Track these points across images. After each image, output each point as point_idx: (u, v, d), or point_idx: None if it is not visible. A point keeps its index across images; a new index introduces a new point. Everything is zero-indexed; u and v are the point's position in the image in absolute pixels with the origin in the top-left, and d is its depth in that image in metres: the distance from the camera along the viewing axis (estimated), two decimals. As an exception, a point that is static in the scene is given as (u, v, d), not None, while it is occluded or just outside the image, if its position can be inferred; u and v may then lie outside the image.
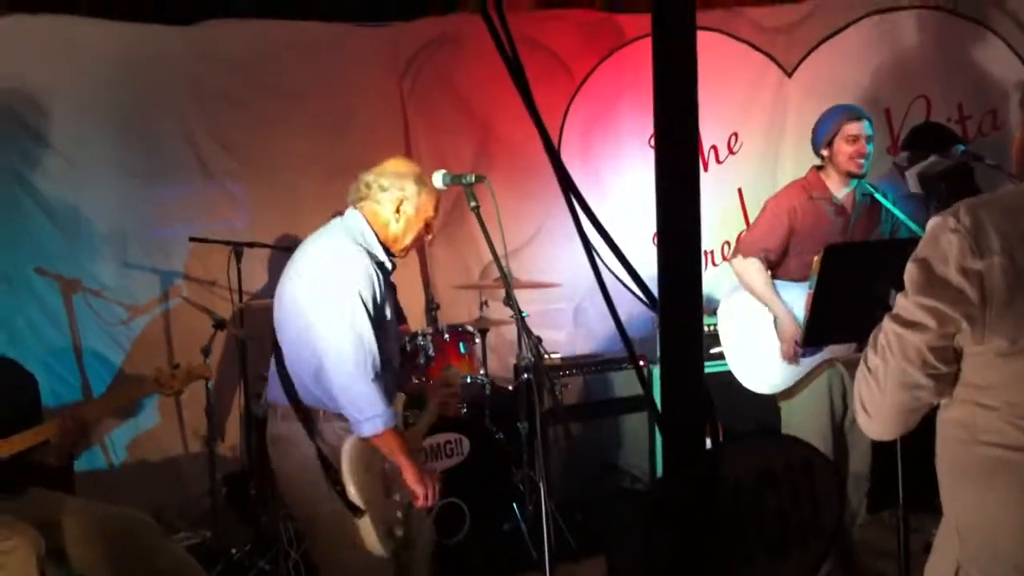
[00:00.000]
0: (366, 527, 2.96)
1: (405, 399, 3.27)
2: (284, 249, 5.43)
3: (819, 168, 4.25)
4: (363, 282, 3.00)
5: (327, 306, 2.97)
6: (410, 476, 3.05)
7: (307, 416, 3.04)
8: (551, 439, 5.36)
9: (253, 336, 4.87)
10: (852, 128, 4.11)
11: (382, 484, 3.06)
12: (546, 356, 5.31)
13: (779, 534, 1.43)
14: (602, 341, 6.22)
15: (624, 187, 6.14)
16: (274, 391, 3.17)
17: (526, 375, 4.78)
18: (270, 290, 5.55)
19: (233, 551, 4.59)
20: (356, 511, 2.95)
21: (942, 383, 1.85)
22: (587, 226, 1.06)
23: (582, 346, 6.02)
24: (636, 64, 5.87)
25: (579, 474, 5.43)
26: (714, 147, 6.17)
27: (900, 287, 2.03)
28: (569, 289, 5.99)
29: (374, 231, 3.17)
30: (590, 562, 4.66)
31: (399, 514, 3.09)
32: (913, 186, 5.40)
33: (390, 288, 3.23)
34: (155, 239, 5.35)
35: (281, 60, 5.50)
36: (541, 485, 3.27)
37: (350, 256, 3.04)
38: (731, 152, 6.18)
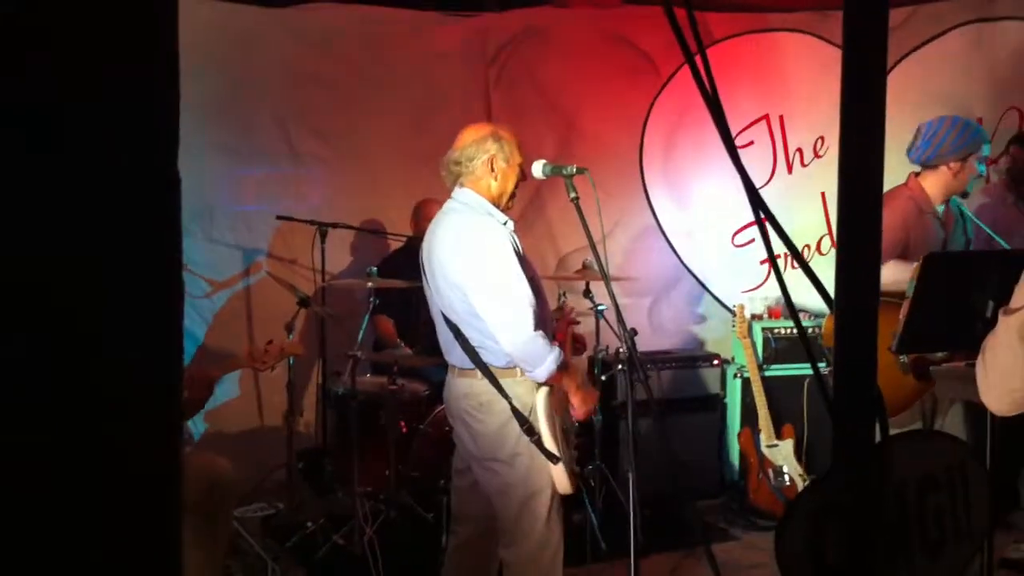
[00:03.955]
0: (559, 471, 3.26)
1: None
2: (368, 231, 5.53)
3: (916, 175, 4.17)
4: (506, 246, 3.22)
5: (485, 277, 3.20)
6: (578, 397, 3.38)
7: (491, 375, 3.27)
8: (620, 434, 5.39)
9: (336, 314, 4.95)
10: (985, 151, 4.04)
11: (562, 432, 3.33)
12: (620, 351, 5.33)
13: (937, 534, 1.45)
14: (675, 338, 6.23)
15: (706, 187, 6.14)
16: (455, 355, 3.39)
17: (618, 366, 4.88)
18: (351, 271, 5.67)
19: (309, 524, 4.67)
20: (553, 458, 3.24)
21: None
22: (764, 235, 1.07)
23: (655, 342, 6.03)
24: (724, 64, 5.83)
25: (647, 471, 5.45)
26: (799, 150, 6.14)
27: (998, 299, 2.04)
28: (645, 284, 6.01)
29: (485, 199, 3.36)
30: (658, 558, 4.68)
31: (572, 460, 3.44)
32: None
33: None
34: (240, 215, 5.46)
35: (372, 45, 5.58)
36: (630, 477, 3.33)
37: (486, 227, 3.28)
38: (816, 156, 6.14)
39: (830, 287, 1.48)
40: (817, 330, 5.49)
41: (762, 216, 1.03)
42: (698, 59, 1.03)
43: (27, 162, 0.79)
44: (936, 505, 1.46)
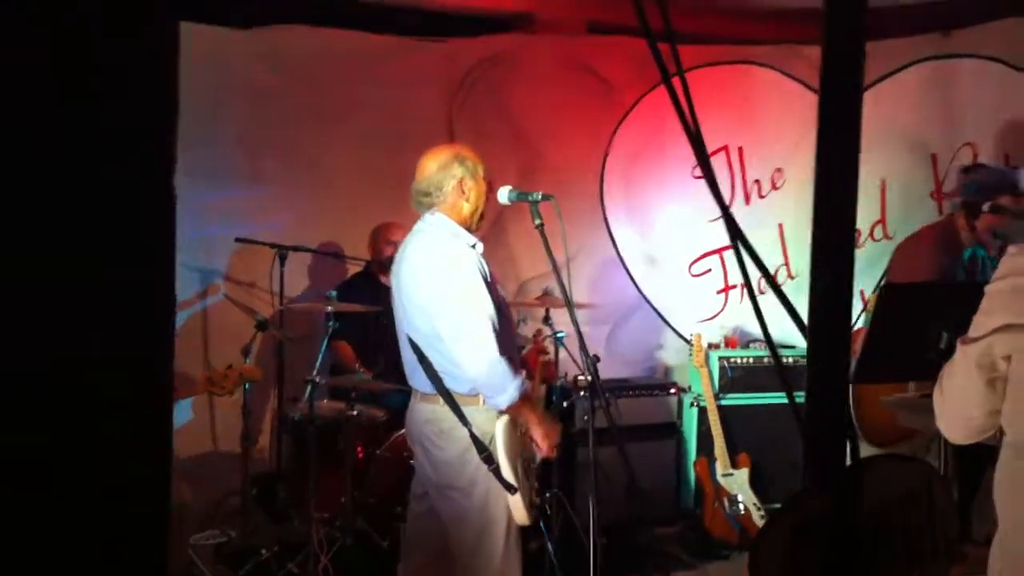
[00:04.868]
0: (516, 501, 3.23)
1: None
2: (327, 255, 5.50)
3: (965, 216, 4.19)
4: (472, 269, 3.21)
5: (449, 300, 3.19)
6: (539, 433, 3.33)
7: (453, 401, 3.24)
8: (577, 461, 5.39)
9: (294, 338, 4.92)
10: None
11: (522, 463, 3.32)
12: (578, 378, 5.34)
13: (909, 552, 1.47)
14: (632, 366, 6.25)
15: (664, 216, 6.20)
16: (418, 379, 3.36)
17: (579, 393, 4.90)
18: (310, 295, 5.64)
19: (263, 551, 4.60)
20: (511, 488, 3.21)
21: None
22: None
23: (613, 370, 6.04)
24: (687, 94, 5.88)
25: (603, 497, 5.45)
26: (757, 181, 6.21)
27: (952, 331, 2.10)
28: (603, 312, 6.03)
29: (455, 222, 3.36)
30: (614, 585, 4.66)
31: (532, 489, 3.42)
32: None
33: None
34: (200, 238, 5.41)
35: (338, 69, 5.59)
36: (591, 504, 3.32)
37: (455, 249, 3.27)
38: (774, 187, 6.22)
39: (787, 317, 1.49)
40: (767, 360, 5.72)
41: (738, 242, 1.04)
42: (678, 86, 1.04)
43: (32, 164, 0.81)
44: (904, 527, 1.48)
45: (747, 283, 1.18)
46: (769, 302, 1.17)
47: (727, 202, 6.19)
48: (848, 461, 0.94)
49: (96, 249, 0.85)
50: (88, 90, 0.86)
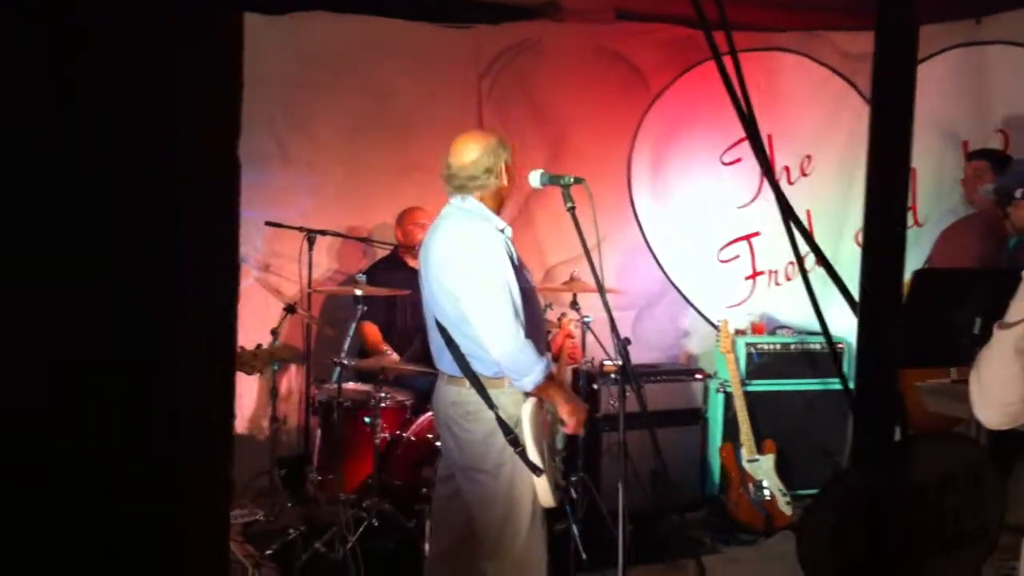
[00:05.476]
0: (542, 484, 3.24)
1: None
2: (356, 239, 5.53)
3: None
4: (501, 253, 3.21)
5: (477, 282, 3.19)
6: (565, 411, 3.31)
7: (479, 384, 3.25)
8: (604, 446, 5.41)
9: (322, 321, 4.95)
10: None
11: (547, 446, 3.32)
12: (604, 364, 5.35)
13: (953, 533, 1.47)
14: (658, 352, 6.25)
15: (692, 202, 6.18)
16: (445, 362, 3.38)
17: (609, 376, 4.89)
18: (339, 278, 5.68)
19: (290, 531, 4.65)
20: (537, 470, 3.22)
21: None
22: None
23: (639, 356, 6.04)
24: (712, 81, 5.85)
25: (630, 482, 5.46)
26: (786, 167, 6.18)
27: (986, 316, 2.09)
28: (630, 298, 6.03)
29: (486, 206, 3.36)
30: (640, 569, 4.67)
31: (557, 471, 3.43)
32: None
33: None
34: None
35: (366, 55, 5.60)
36: (620, 487, 3.34)
37: (483, 232, 3.26)
38: (803, 174, 6.19)
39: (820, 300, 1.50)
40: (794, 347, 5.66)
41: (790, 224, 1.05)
42: (731, 69, 1.05)
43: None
44: (954, 505, 1.49)
45: (798, 259, 1.18)
46: (795, 290, 1.18)
47: (757, 190, 6.20)
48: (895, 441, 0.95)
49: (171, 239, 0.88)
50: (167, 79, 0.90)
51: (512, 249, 3.30)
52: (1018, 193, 4.01)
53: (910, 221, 6.03)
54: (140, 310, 0.86)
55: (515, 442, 3.22)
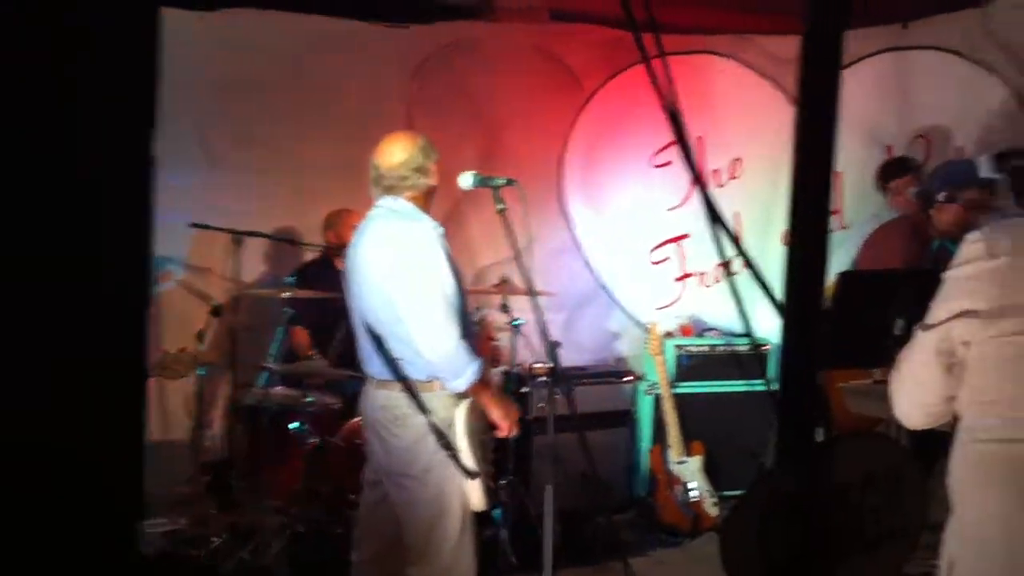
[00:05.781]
0: (475, 487, 3.23)
1: None
2: (284, 240, 5.44)
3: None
4: (437, 251, 3.20)
5: (412, 280, 3.16)
6: (498, 413, 3.33)
7: (410, 388, 3.21)
8: (534, 448, 5.39)
9: (250, 324, 4.86)
10: None
11: (480, 449, 3.30)
12: (534, 366, 5.34)
13: (875, 533, 1.48)
14: (588, 354, 6.26)
15: (624, 204, 6.21)
16: (374, 366, 3.33)
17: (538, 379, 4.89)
18: (267, 280, 5.58)
19: (214, 539, 4.55)
20: (471, 474, 3.21)
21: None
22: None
23: (569, 358, 6.04)
24: (646, 83, 5.87)
25: (558, 484, 5.46)
26: (715, 171, 6.24)
27: (909, 318, 2.12)
28: (560, 300, 6.03)
29: (415, 207, 3.35)
30: (569, 572, 4.67)
31: (488, 476, 3.42)
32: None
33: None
34: (156, 224, 5.28)
35: (297, 53, 5.51)
36: (549, 491, 3.32)
37: (419, 231, 3.24)
38: (733, 177, 6.25)
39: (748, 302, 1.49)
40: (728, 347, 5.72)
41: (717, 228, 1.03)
42: (660, 71, 1.04)
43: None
44: (875, 504, 1.49)
45: (724, 262, 1.17)
46: (724, 292, 1.17)
47: (687, 193, 6.24)
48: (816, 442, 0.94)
49: (86, 248, 0.86)
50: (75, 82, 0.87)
51: (445, 249, 3.27)
52: (940, 196, 4.07)
53: (836, 224, 6.13)
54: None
55: (448, 446, 3.20)
